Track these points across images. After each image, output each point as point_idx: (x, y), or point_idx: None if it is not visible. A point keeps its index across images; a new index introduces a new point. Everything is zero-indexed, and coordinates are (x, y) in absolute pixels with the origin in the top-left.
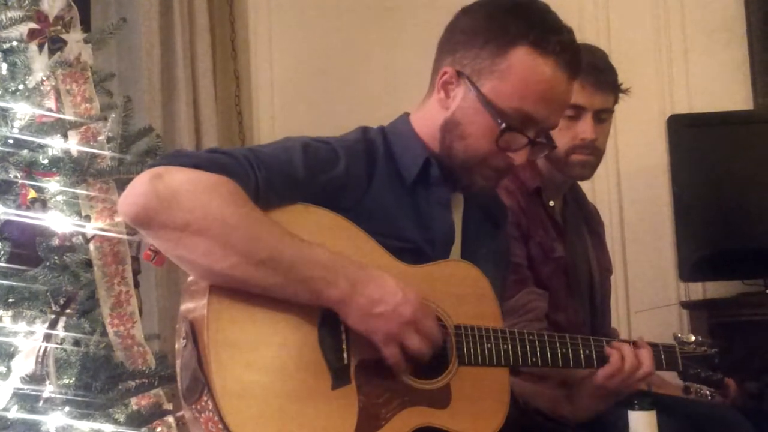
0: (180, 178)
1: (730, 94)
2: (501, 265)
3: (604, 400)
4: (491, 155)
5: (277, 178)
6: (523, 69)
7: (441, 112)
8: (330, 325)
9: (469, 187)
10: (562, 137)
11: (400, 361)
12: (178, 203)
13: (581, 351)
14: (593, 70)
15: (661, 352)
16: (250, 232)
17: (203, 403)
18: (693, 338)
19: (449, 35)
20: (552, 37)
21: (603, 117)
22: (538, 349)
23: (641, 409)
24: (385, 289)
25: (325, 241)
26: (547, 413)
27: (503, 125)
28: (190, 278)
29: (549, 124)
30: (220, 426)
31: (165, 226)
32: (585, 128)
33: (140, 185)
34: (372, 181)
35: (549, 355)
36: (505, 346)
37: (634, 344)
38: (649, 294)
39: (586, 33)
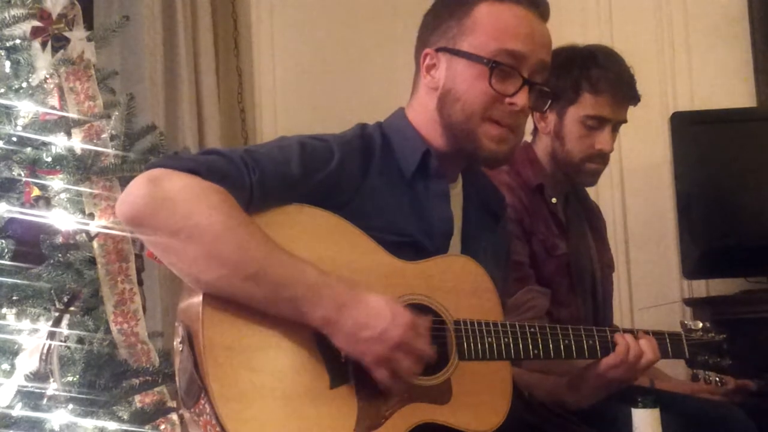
0: (176, 183)
1: (733, 91)
2: (501, 257)
3: (606, 389)
4: (490, 104)
5: (273, 178)
6: (488, 18)
7: (432, 95)
8: None
9: (479, 155)
10: (580, 145)
11: (391, 384)
12: (171, 209)
13: (584, 341)
14: (624, 85)
15: (667, 340)
16: (239, 245)
17: (201, 407)
18: (700, 325)
19: (419, 34)
20: None
21: (617, 127)
22: (539, 341)
23: (645, 406)
24: (372, 312)
25: (320, 241)
26: (549, 402)
27: (491, 63)
28: None
29: (537, 60)
30: (218, 429)
31: (158, 230)
32: (604, 140)
33: (137, 188)
34: (367, 176)
35: (551, 347)
36: (506, 340)
37: (637, 334)
38: (653, 291)
39: (588, 30)
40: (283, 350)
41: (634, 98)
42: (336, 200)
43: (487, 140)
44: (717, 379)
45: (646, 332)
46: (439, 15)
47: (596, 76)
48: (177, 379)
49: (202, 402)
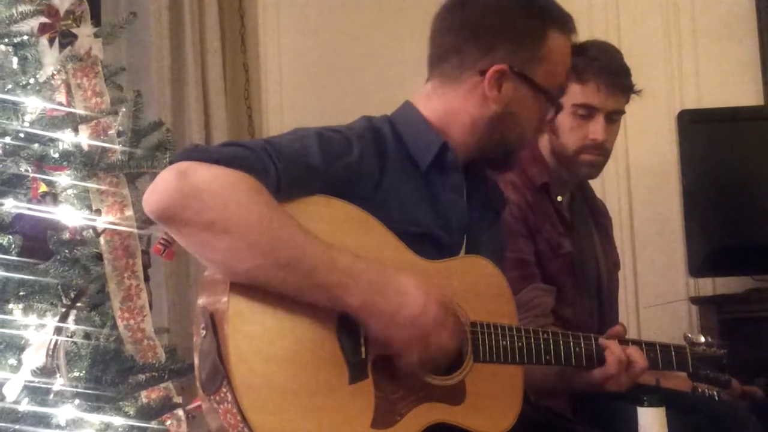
0: (204, 175)
1: (740, 89)
2: (499, 253)
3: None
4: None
5: (296, 168)
6: (558, 51)
7: (488, 107)
8: (349, 320)
9: (505, 165)
10: (573, 136)
11: (415, 371)
12: (202, 201)
13: (595, 350)
14: (610, 73)
15: (672, 353)
16: (273, 233)
17: (222, 395)
18: (703, 339)
19: (473, 23)
20: (567, 17)
21: (614, 118)
22: (552, 347)
23: (650, 405)
24: (406, 296)
25: (345, 234)
26: (540, 393)
27: (556, 105)
28: (208, 271)
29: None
30: (239, 417)
31: (189, 223)
32: (596, 129)
33: (165, 182)
34: (385, 168)
35: (563, 354)
36: (520, 344)
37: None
38: (659, 289)
39: (595, 29)
40: (306, 343)
41: (627, 88)
42: (357, 191)
43: (520, 155)
44: (716, 393)
45: (649, 343)
46: (510, 24)
47: (582, 65)
48: (197, 366)
49: (224, 390)
